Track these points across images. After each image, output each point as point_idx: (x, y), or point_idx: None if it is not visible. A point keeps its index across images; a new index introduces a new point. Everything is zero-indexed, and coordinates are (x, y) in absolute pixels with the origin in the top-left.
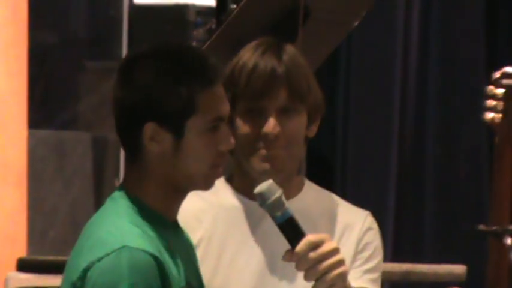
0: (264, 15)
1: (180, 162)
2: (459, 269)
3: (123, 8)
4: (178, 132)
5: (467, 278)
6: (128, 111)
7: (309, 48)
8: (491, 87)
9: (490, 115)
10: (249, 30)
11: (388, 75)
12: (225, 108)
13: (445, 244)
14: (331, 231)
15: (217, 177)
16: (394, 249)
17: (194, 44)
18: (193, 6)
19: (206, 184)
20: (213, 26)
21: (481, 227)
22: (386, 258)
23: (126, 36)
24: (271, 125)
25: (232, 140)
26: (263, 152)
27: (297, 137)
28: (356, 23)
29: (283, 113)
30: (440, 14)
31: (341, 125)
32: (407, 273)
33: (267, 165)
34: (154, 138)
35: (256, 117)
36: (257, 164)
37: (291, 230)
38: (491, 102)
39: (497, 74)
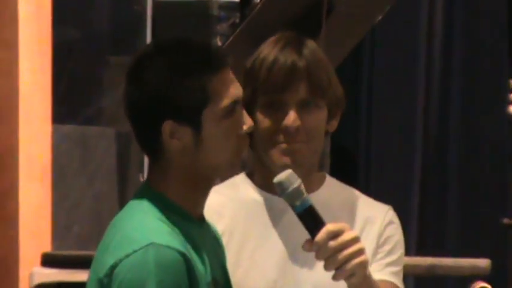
0: (288, 10)
1: (203, 155)
2: (483, 262)
3: (146, 3)
4: (196, 124)
5: (491, 271)
6: (144, 113)
7: (333, 43)
8: None
9: None
10: (272, 24)
11: (411, 69)
12: (237, 90)
13: (469, 238)
14: (352, 225)
15: (241, 161)
16: (418, 244)
17: (218, 38)
18: (217, 1)
19: (232, 170)
20: (237, 21)
21: (505, 220)
22: (411, 253)
23: (149, 31)
24: (291, 118)
25: (250, 121)
26: (283, 145)
27: (317, 130)
28: (379, 17)
29: (303, 107)
30: (463, 8)
31: (365, 121)
32: (431, 267)
33: (287, 159)
34: (174, 135)
35: (277, 110)
36: (277, 157)
37: (311, 220)
38: None
39: None
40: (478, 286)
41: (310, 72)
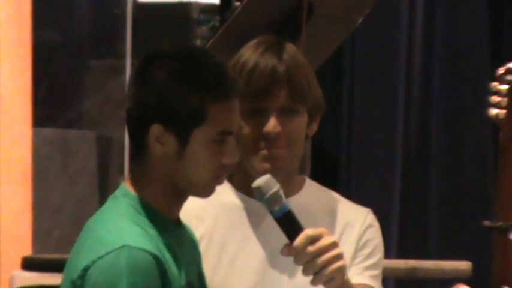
0: (268, 13)
1: (182, 168)
2: (464, 265)
3: (127, 6)
4: (183, 138)
5: (473, 274)
6: (139, 108)
7: (313, 46)
8: (495, 83)
9: (494, 111)
10: (253, 27)
11: (392, 72)
12: (236, 123)
13: (450, 240)
14: (331, 228)
15: (218, 185)
16: (399, 246)
17: (198, 41)
18: (197, 4)
19: (205, 192)
20: (217, 24)
21: (486, 223)
22: (391, 255)
23: (130, 35)
24: (272, 124)
25: (238, 155)
26: (264, 152)
27: (297, 136)
28: (360, 20)
29: (283, 113)
30: (444, 11)
31: (346, 123)
32: (412, 270)
33: (267, 165)
34: (159, 140)
35: (257, 117)
36: (258, 164)
37: (289, 224)
38: (495, 98)
39: (501, 70)
40: None
41: (290, 78)
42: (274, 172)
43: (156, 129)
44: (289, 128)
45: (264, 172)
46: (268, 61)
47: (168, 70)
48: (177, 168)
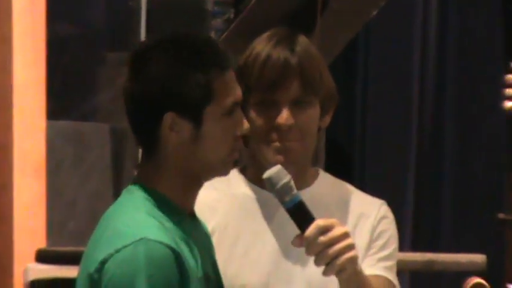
0: (282, 5)
1: (199, 151)
2: (479, 258)
3: None
4: (197, 120)
5: (487, 267)
6: (145, 103)
7: (327, 38)
8: (510, 76)
9: (509, 104)
10: (267, 20)
11: (406, 65)
12: (239, 92)
13: (464, 233)
14: (345, 220)
15: (233, 160)
16: (413, 239)
17: (213, 33)
18: None
19: (225, 169)
20: (231, 16)
21: (500, 215)
22: (405, 248)
23: (144, 27)
24: (284, 116)
25: (247, 124)
26: (277, 144)
27: (310, 128)
28: (374, 13)
29: (296, 105)
30: (458, 4)
31: (359, 117)
32: (428, 263)
33: (280, 158)
34: (174, 128)
35: (270, 108)
36: (271, 156)
37: (301, 215)
38: (510, 91)
39: None
40: (473, 282)
41: (302, 70)
42: (287, 164)
43: (169, 117)
44: (301, 120)
45: (277, 164)
46: (280, 53)
47: (164, 58)
48: (194, 152)
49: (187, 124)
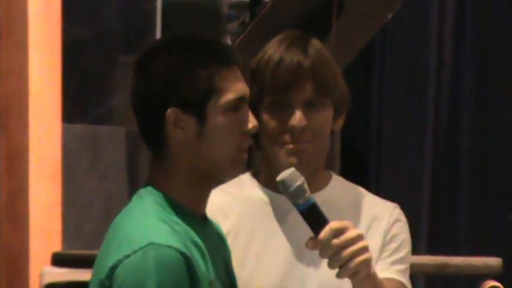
0: (298, 9)
1: (205, 147)
2: (494, 261)
3: (156, 2)
4: (201, 115)
5: (503, 270)
6: (148, 101)
7: (343, 41)
8: None
9: None
10: (282, 23)
11: (422, 66)
12: (244, 88)
13: (480, 236)
14: (358, 223)
15: (243, 162)
16: (428, 242)
17: (228, 37)
18: (227, 0)
19: (233, 168)
20: (247, 20)
21: None
22: (421, 252)
23: (159, 30)
24: (297, 118)
25: (255, 121)
26: (290, 146)
27: (323, 130)
28: (390, 16)
29: (309, 107)
30: (474, 6)
31: (375, 120)
32: (442, 266)
33: (293, 159)
34: (178, 124)
35: (283, 110)
36: (284, 158)
37: (314, 218)
38: None
39: None
40: (489, 285)
41: (315, 72)
42: (300, 166)
43: (172, 114)
44: (314, 121)
45: (290, 166)
46: (293, 55)
47: (166, 56)
48: (200, 149)
49: (191, 120)
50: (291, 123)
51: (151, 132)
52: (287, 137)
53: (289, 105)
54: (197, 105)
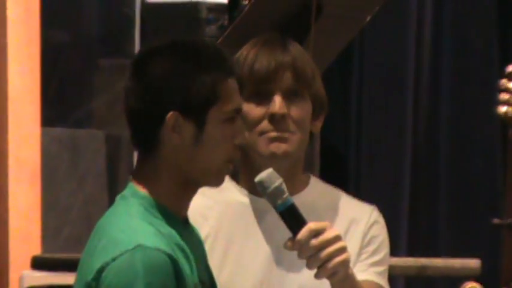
0: (276, 12)
1: (198, 154)
2: (474, 263)
3: (135, 6)
4: (200, 121)
5: (482, 271)
6: (149, 102)
7: (322, 44)
8: (504, 81)
9: (503, 109)
10: (261, 26)
11: (401, 70)
12: (240, 100)
13: (459, 238)
14: (336, 225)
15: (229, 173)
16: (408, 244)
17: None
18: (205, 3)
19: (218, 179)
20: (225, 23)
21: (495, 220)
22: (401, 253)
23: (138, 34)
24: (277, 104)
25: (244, 135)
26: (270, 134)
27: (303, 122)
28: (368, 19)
29: (289, 96)
30: (452, 8)
31: (355, 122)
32: (422, 268)
33: (274, 146)
34: (176, 128)
35: (263, 99)
36: (264, 146)
37: (292, 218)
38: (504, 96)
39: (510, 68)
40: (469, 286)
41: (295, 63)
42: (280, 157)
43: (172, 117)
44: (295, 111)
45: (271, 155)
46: (272, 51)
47: (171, 57)
48: (193, 155)
49: (190, 125)
50: (271, 109)
51: (145, 133)
52: (268, 125)
53: (269, 93)
54: (199, 111)
